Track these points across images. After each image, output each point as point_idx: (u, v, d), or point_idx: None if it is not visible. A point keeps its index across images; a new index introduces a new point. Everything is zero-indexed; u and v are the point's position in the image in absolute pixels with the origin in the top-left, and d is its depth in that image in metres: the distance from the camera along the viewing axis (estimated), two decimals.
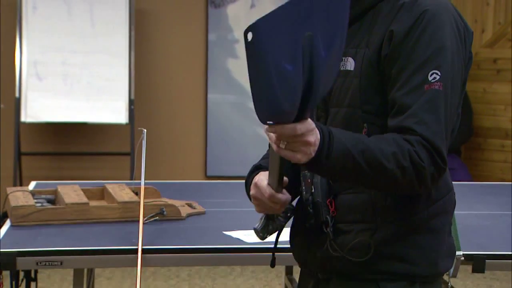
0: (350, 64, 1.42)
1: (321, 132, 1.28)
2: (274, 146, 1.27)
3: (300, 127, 1.23)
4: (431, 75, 1.35)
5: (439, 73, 1.35)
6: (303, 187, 1.48)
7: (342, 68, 1.43)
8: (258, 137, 5.46)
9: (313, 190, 1.46)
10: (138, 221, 2.28)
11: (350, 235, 1.43)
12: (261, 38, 1.07)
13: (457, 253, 2.06)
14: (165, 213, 2.61)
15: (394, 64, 1.37)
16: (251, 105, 5.54)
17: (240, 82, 5.48)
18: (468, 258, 2.15)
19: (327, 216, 1.45)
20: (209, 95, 5.50)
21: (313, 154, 1.26)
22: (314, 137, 1.25)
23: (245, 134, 5.47)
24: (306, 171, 1.47)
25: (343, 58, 1.43)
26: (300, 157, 1.26)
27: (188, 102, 5.50)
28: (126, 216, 2.58)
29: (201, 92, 5.50)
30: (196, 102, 5.50)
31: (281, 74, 1.12)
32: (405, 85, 1.36)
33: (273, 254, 1.57)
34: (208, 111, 5.48)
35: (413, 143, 1.32)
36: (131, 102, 5.04)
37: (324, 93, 1.24)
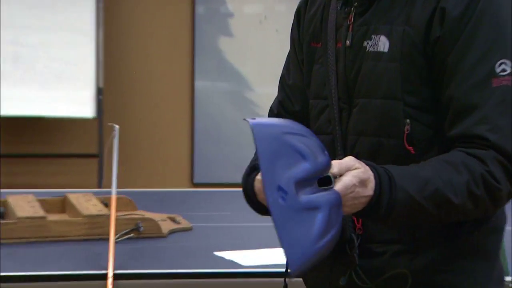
0: (383, 44, 1.42)
1: (378, 177, 1.30)
2: None
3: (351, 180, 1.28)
4: (498, 66, 1.36)
5: (508, 63, 1.35)
6: None
7: (371, 49, 1.43)
8: None
9: None
10: (108, 239, 2.28)
11: (382, 259, 1.43)
12: None
13: (506, 278, 2.07)
14: (141, 229, 2.62)
15: (450, 50, 1.37)
16: (248, 94, 5.55)
17: (235, 66, 5.49)
18: None
19: (352, 234, 1.44)
20: (196, 82, 5.50)
21: (363, 206, 1.29)
22: (368, 189, 1.28)
23: (241, 131, 5.48)
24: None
25: (373, 36, 1.43)
26: (349, 210, 1.29)
27: (171, 91, 5.50)
28: (93, 234, 2.59)
29: (186, 79, 5.51)
30: (180, 91, 5.50)
31: None
32: (467, 79, 1.35)
33: (285, 280, 1.57)
34: (195, 102, 5.48)
35: (487, 162, 1.33)
36: (99, 92, 5.04)
37: None
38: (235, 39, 5.50)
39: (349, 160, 1.29)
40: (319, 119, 1.52)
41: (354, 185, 1.27)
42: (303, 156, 1.22)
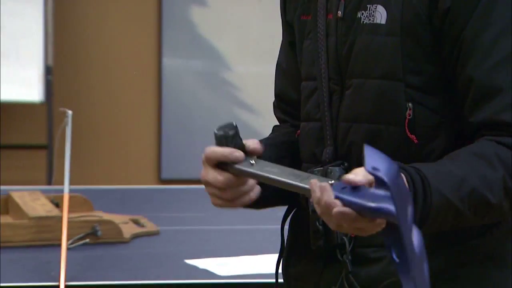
0: (379, 15, 1.43)
1: (410, 176, 1.30)
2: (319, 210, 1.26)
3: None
4: None
5: None
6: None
7: (367, 21, 1.44)
8: (236, 122, 5.47)
9: None
10: (60, 245, 2.29)
11: (378, 266, 1.44)
12: None
13: None
14: (99, 233, 2.62)
15: (464, 24, 1.38)
16: (226, 74, 5.56)
17: (210, 41, 5.50)
18: None
19: (344, 237, 1.46)
20: (164, 60, 5.50)
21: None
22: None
23: (218, 117, 5.48)
24: (315, 169, 1.48)
25: (368, 6, 1.44)
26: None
27: (134, 70, 5.50)
28: (42, 238, 2.59)
29: (152, 56, 5.50)
30: (145, 71, 5.50)
31: None
32: (488, 57, 1.37)
33: None
34: (162, 83, 5.49)
35: (508, 158, 1.35)
36: (48, 71, 5.03)
37: None
38: (209, 9, 5.50)
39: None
40: (307, 103, 1.53)
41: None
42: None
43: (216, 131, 1.45)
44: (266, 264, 2.39)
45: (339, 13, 1.47)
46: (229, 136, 1.43)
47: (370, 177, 1.22)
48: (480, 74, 1.38)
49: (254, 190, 1.43)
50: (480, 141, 1.39)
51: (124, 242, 2.65)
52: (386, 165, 1.20)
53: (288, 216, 1.58)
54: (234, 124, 1.45)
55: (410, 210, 1.22)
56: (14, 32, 4.97)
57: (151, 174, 5.49)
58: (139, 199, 3.38)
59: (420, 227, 1.30)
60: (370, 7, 1.44)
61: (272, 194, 1.51)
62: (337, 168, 1.46)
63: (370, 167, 1.20)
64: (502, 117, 1.37)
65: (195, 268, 2.40)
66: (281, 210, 1.61)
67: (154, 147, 5.49)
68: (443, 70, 1.42)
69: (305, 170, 1.52)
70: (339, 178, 1.45)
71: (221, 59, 5.50)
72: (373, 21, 1.44)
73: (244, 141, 1.42)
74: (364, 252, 1.45)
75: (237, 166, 1.41)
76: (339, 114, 1.47)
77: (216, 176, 1.40)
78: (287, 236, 1.58)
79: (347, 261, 1.44)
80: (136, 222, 2.84)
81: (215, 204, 1.46)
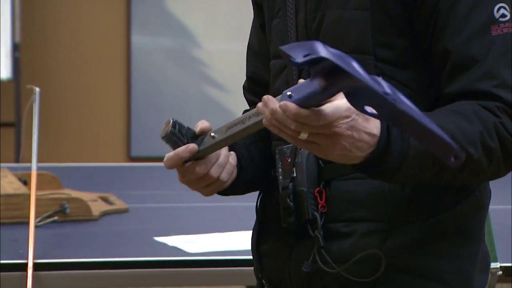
0: None
1: (387, 127, 1.29)
2: (287, 137, 1.28)
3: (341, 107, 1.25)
4: (497, 11, 1.37)
5: (507, 8, 1.37)
6: (279, 170, 1.49)
7: None
8: (206, 100, 5.48)
9: (294, 175, 1.47)
10: (28, 223, 2.28)
11: (350, 240, 1.44)
12: None
13: (492, 264, 2.11)
14: (68, 211, 2.62)
15: None
16: (195, 52, 5.55)
17: (180, 18, 5.47)
18: (508, 272, 2.21)
19: (315, 213, 1.45)
20: (132, 37, 5.47)
21: (366, 149, 1.28)
22: (371, 125, 1.28)
23: (187, 95, 5.48)
24: (284, 146, 1.48)
25: None
26: (347, 153, 1.28)
27: (102, 47, 5.47)
28: (10, 216, 2.58)
29: (120, 33, 5.47)
30: (113, 48, 5.47)
31: None
32: (463, 28, 1.37)
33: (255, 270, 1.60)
34: (131, 61, 5.46)
35: (497, 113, 1.35)
36: (15, 48, 4.99)
37: None
38: None
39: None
40: (276, 81, 1.53)
41: (350, 109, 1.25)
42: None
43: (162, 137, 1.47)
44: (235, 241, 2.39)
45: None
46: (176, 132, 1.45)
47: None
48: (454, 45, 1.38)
49: (222, 175, 1.46)
50: (457, 102, 1.39)
51: (93, 219, 2.65)
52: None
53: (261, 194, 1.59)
54: (171, 120, 1.46)
55: (356, 65, 1.20)
56: None
57: (120, 151, 5.47)
58: (108, 177, 3.37)
59: (399, 169, 1.31)
60: None
61: (251, 176, 1.52)
62: None
63: (301, 56, 1.20)
64: (479, 87, 1.38)
65: (164, 245, 2.40)
66: None
67: (123, 125, 5.48)
68: (415, 44, 1.43)
69: (275, 148, 1.52)
70: (308, 155, 1.46)
71: (190, 36, 5.47)
72: None
73: (195, 127, 1.44)
74: (335, 226, 1.46)
75: (200, 148, 1.43)
76: None
77: (185, 180, 1.45)
78: (258, 213, 1.59)
79: (319, 236, 1.44)
80: (105, 199, 2.83)
81: (208, 195, 1.49)
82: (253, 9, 1.61)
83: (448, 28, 1.39)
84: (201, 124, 1.44)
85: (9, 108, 5.17)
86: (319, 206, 1.46)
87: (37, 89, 2.52)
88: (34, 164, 2.44)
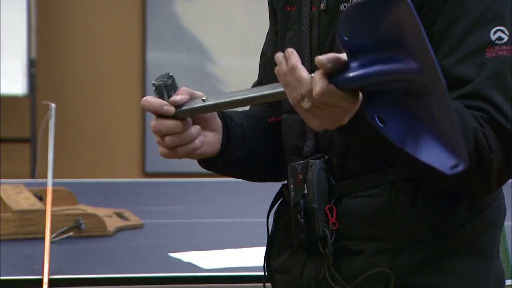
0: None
1: None
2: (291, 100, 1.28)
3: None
4: (494, 33, 1.37)
5: (506, 31, 1.37)
6: (291, 186, 1.49)
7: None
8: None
9: (305, 191, 1.47)
10: (43, 238, 2.28)
11: (360, 258, 1.45)
12: None
13: (507, 281, 2.10)
14: (83, 226, 2.62)
15: (436, 17, 1.38)
16: (210, 67, 5.56)
17: (195, 34, 5.49)
18: None
19: (325, 230, 1.46)
20: (148, 54, 5.49)
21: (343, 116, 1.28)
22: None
23: None
24: (296, 163, 1.48)
25: None
26: (325, 120, 1.28)
27: (118, 63, 5.49)
28: (25, 232, 2.58)
29: (136, 49, 5.49)
30: (129, 64, 5.49)
31: None
32: (458, 49, 1.37)
33: (264, 286, 1.59)
34: (146, 76, 5.47)
35: (481, 122, 1.35)
36: (31, 64, 5.01)
37: None
38: (194, 2, 5.50)
39: None
40: None
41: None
42: None
43: (153, 82, 1.47)
44: (250, 257, 2.39)
45: (322, 5, 1.48)
46: (168, 85, 1.45)
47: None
48: (449, 64, 1.38)
49: (199, 139, 1.45)
50: None
51: (108, 235, 2.65)
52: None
53: (272, 209, 1.59)
54: (170, 73, 1.46)
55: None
56: None
57: (135, 167, 5.48)
58: (123, 193, 3.37)
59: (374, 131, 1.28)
60: (352, 0, 1.45)
61: (238, 159, 1.52)
62: (317, 161, 1.47)
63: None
64: (468, 103, 1.37)
65: (179, 261, 2.40)
66: (265, 203, 1.61)
67: (139, 140, 5.49)
68: None
69: (288, 163, 1.52)
70: (319, 171, 1.46)
71: (205, 52, 5.49)
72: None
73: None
74: (346, 244, 1.46)
75: (183, 108, 1.43)
76: None
77: (158, 124, 1.44)
78: (271, 229, 1.59)
79: (329, 253, 1.44)
80: (120, 215, 2.83)
81: (160, 153, 1.48)
82: (269, 16, 1.63)
83: (443, 48, 1.39)
84: (197, 91, 1.46)
85: (25, 124, 5.19)
86: (330, 223, 1.46)
87: (53, 105, 2.53)
88: (49, 180, 2.45)
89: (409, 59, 1.18)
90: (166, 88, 1.45)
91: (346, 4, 1.45)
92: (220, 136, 1.51)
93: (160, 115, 1.44)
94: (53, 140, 2.48)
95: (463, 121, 1.34)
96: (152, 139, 6.10)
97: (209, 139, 1.49)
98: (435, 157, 1.21)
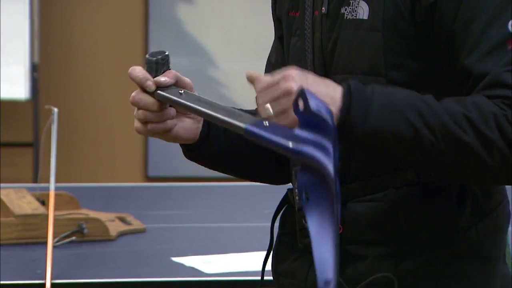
0: (362, 10, 1.43)
1: (348, 85, 1.31)
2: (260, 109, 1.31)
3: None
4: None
5: None
6: (296, 190, 1.49)
7: (350, 17, 1.44)
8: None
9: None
10: (46, 243, 2.28)
11: (364, 263, 1.45)
12: None
13: None
14: (85, 231, 2.62)
15: (453, 17, 1.38)
16: (212, 72, 5.56)
17: (197, 38, 5.49)
18: None
19: None
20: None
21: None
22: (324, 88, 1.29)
23: None
24: (299, 166, 1.45)
25: (351, 1, 1.43)
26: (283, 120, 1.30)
27: (120, 68, 5.49)
28: (28, 236, 2.59)
29: (138, 53, 5.49)
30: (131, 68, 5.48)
31: None
32: (478, 47, 1.36)
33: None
34: None
35: (502, 106, 1.32)
36: (34, 68, 5.02)
37: None
38: (196, 6, 5.50)
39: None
40: None
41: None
42: None
43: (147, 56, 1.49)
44: (253, 261, 2.39)
45: (323, 9, 1.48)
46: (159, 63, 1.46)
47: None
48: (472, 61, 1.37)
49: (171, 121, 1.47)
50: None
51: (110, 240, 2.65)
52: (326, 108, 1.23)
53: (278, 214, 1.59)
54: (167, 52, 1.47)
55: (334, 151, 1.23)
56: (0, 29, 4.95)
57: (137, 171, 5.48)
58: (126, 197, 3.37)
59: (362, 129, 1.31)
60: (353, 3, 1.45)
61: (218, 149, 1.53)
62: None
63: (315, 105, 1.22)
64: (487, 93, 1.35)
65: (181, 265, 2.40)
66: (267, 207, 1.61)
67: (141, 145, 5.49)
68: (429, 65, 1.42)
69: (292, 168, 1.52)
70: None
71: (207, 57, 5.49)
72: (356, 16, 1.44)
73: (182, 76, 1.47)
74: (350, 249, 1.46)
75: (160, 92, 1.44)
76: None
77: (136, 96, 1.49)
78: (277, 233, 1.59)
79: None
80: (122, 219, 2.83)
81: (135, 128, 1.51)
82: (274, 22, 1.63)
83: (465, 46, 1.38)
84: (187, 80, 1.48)
85: (27, 128, 5.19)
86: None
87: (55, 109, 2.53)
88: (52, 184, 2.45)
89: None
90: (157, 65, 1.47)
91: (346, 7, 1.45)
92: (200, 125, 1.52)
93: (142, 88, 1.48)
94: (55, 145, 2.48)
95: (480, 108, 1.32)
96: (155, 144, 6.12)
97: (185, 124, 1.51)
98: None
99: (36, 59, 5.04)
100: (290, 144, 1.24)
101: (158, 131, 1.49)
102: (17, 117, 5.29)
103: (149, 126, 1.49)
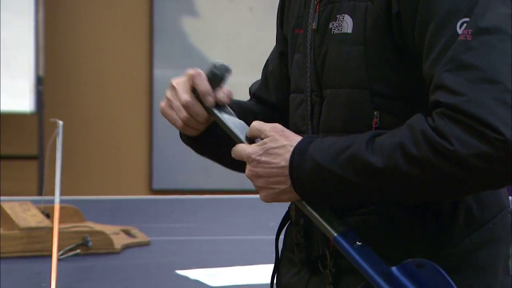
0: (347, 24, 1.44)
1: (294, 149, 1.37)
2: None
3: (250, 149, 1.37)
4: (460, 26, 1.36)
5: (467, 20, 1.35)
6: (293, 205, 1.50)
7: (336, 31, 1.45)
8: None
9: None
10: (51, 256, 2.29)
11: (357, 276, 1.43)
12: None
13: None
14: (90, 244, 2.62)
15: (412, 24, 1.38)
16: None
17: (201, 51, 5.50)
18: None
19: (325, 249, 1.46)
20: (155, 71, 5.50)
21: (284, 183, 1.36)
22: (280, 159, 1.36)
23: None
24: None
25: (337, 16, 1.45)
26: (267, 193, 1.38)
27: (125, 81, 5.50)
28: (33, 249, 2.59)
29: (143, 66, 5.50)
30: (136, 81, 5.50)
31: None
32: (432, 51, 1.36)
33: None
34: (154, 94, 5.48)
35: (433, 118, 1.33)
36: (39, 81, 5.03)
37: None
38: (201, 19, 5.51)
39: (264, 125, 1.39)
40: (294, 115, 1.55)
41: (257, 152, 1.37)
42: None
43: (214, 68, 1.52)
44: (257, 274, 2.39)
45: (314, 25, 1.49)
46: (223, 79, 1.52)
47: None
48: (426, 71, 1.37)
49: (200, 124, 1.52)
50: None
51: (115, 252, 2.65)
52: None
53: (283, 228, 1.59)
54: (230, 68, 1.53)
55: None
56: (5, 42, 4.97)
57: (142, 184, 5.48)
58: (130, 210, 3.37)
59: (303, 193, 1.37)
60: (339, 17, 1.45)
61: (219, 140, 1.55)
62: None
63: None
64: (432, 98, 1.35)
65: (186, 278, 2.40)
66: (272, 220, 1.61)
67: (146, 158, 5.49)
68: (411, 76, 1.42)
69: None
70: None
71: None
72: (341, 30, 1.45)
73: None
74: (345, 263, 1.46)
75: (215, 110, 1.49)
76: (319, 126, 1.49)
77: (188, 100, 1.51)
78: (282, 247, 1.59)
79: (328, 273, 1.45)
80: (127, 232, 2.83)
81: (161, 108, 1.54)
82: (277, 36, 1.64)
83: (423, 52, 1.38)
84: (227, 93, 1.53)
85: (32, 141, 5.20)
86: (331, 242, 1.46)
87: (60, 122, 2.53)
88: (57, 197, 2.45)
89: None
90: (220, 80, 1.51)
91: (334, 22, 1.46)
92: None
93: (196, 94, 1.50)
94: (60, 157, 2.49)
95: (411, 129, 1.34)
96: (160, 157, 6.14)
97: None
98: None
99: (41, 72, 5.05)
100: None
101: (184, 128, 1.54)
102: (22, 130, 5.30)
103: (179, 124, 1.53)
